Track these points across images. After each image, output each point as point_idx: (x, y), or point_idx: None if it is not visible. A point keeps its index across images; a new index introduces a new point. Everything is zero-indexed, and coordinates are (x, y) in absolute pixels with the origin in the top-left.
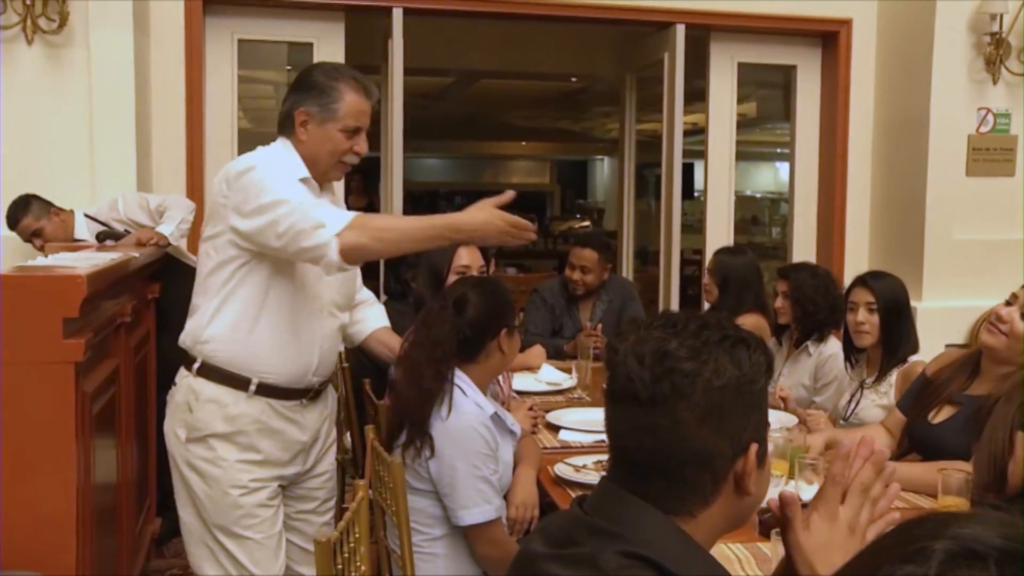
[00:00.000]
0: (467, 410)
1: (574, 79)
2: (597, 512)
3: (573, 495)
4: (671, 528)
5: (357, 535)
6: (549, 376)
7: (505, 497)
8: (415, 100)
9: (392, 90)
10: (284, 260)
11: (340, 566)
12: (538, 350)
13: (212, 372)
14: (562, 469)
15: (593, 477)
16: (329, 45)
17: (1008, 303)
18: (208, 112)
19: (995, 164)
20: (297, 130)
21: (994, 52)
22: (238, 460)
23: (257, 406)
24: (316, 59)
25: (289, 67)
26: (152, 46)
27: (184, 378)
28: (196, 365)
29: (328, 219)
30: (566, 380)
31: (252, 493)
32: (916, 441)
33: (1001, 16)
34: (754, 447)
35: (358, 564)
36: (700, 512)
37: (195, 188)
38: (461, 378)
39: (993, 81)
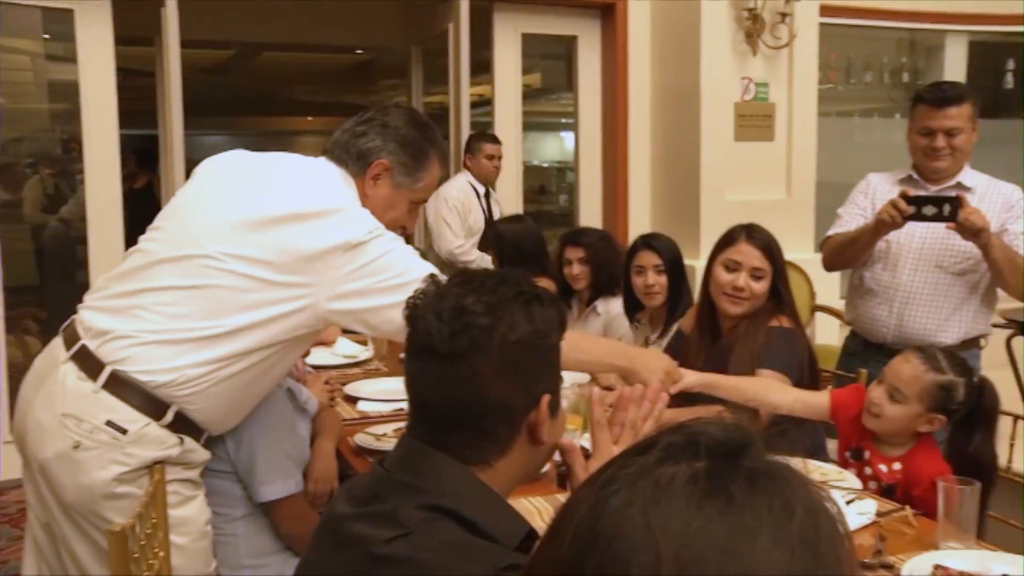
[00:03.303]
0: None
1: (360, 51)
2: (398, 468)
3: None
4: (469, 477)
5: (154, 520)
6: (345, 349)
7: (304, 473)
8: (195, 75)
9: (168, 63)
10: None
11: (136, 555)
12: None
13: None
14: (363, 439)
15: (393, 445)
16: (93, 13)
17: (732, 269)
18: None
19: (758, 130)
20: (367, 179)
21: (752, 26)
22: None
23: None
24: (78, 29)
25: (47, 36)
26: None
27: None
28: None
29: None
30: (362, 352)
31: None
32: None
33: None
34: (546, 398)
35: (156, 550)
36: (497, 461)
37: None
38: None
39: (753, 53)
